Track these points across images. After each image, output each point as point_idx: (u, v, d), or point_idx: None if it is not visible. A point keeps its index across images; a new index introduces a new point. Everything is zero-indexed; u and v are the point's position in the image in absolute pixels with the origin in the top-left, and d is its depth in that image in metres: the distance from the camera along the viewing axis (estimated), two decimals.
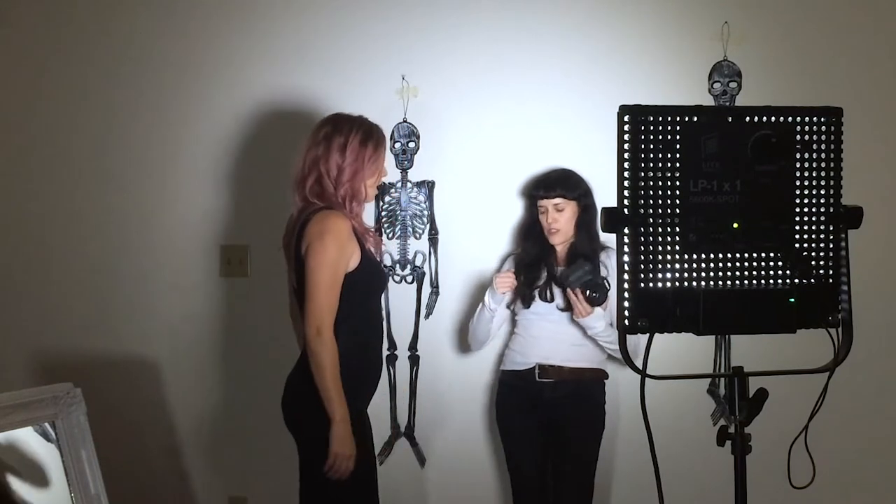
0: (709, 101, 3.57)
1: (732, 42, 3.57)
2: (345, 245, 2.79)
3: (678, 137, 1.96)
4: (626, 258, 1.96)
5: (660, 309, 1.96)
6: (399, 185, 3.71)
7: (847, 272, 2.03)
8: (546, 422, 3.36)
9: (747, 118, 2.00)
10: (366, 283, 2.87)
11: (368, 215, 3.62)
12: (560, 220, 3.39)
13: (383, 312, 3.69)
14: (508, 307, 3.49)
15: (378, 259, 2.98)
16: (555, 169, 3.48)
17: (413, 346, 3.73)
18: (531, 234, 3.49)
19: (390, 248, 3.72)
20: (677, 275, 1.96)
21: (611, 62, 3.63)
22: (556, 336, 3.36)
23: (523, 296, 3.41)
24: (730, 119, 2.01)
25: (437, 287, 3.72)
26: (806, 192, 2.01)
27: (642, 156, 1.95)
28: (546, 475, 3.40)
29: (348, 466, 2.77)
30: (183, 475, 3.84)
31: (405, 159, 3.70)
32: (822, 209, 2.01)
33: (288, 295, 3.05)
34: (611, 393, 3.47)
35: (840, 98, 2.29)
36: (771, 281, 1.99)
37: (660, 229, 1.96)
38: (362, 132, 2.91)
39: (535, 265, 3.44)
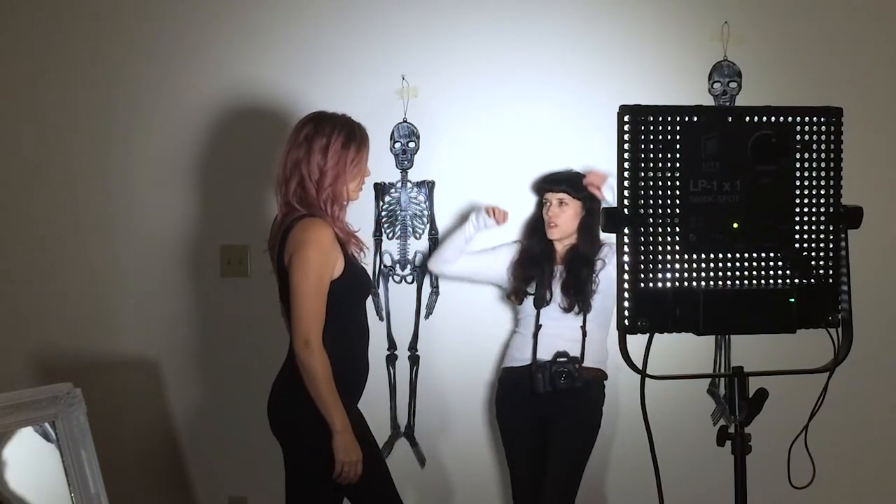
0: (709, 101, 3.57)
1: (732, 42, 3.57)
2: (328, 253, 2.74)
3: (678, 137, 1.96)
4: (626, 258, 1.96)
5: (660, 309, 1.96)
6: (399, 185, 3.71)
7: (847, 272, 2.03)
8: (543, 418, 3.37)
9: (747, 118, 1.99)
10: (350, 290, 2.83)
11: (368, 215, 3.64)
12: (561, 215, 3.41)
13: (383, 312, 3.71)
14: (509, 297, 3.53)
15: (362, 264, 2.95)
16: (569, 169, 3.51)
17: (413, 346, 3.73)
18: (536, 230, 3.51)
19: (390, 249, 3.72)
20: (677, 275, 1.96)
21: (611, 62, 3.63)
22: (556, 334, 3.37)
23: (520, 291, 3.44)
24: (730, 119, 2.00)
25: (437, 287, 3.72)
26: (806, 192, 2.01)
27: (642, 156, 1.95)
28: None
29: (357, 471, 2.75)
30: (183, 475, 3.84)
31: (405, 159, 3.70)
32: (822, 209, 2.01)
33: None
34: (610, 395, 3.47)
35: (840, 98, 2.29)
36: (771, 281, 1.99)
37: (660, 229, 1.96)
38: (344, 134, 2.83)
39: (536, 261, 3.45)
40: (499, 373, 3.56)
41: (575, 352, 3.34)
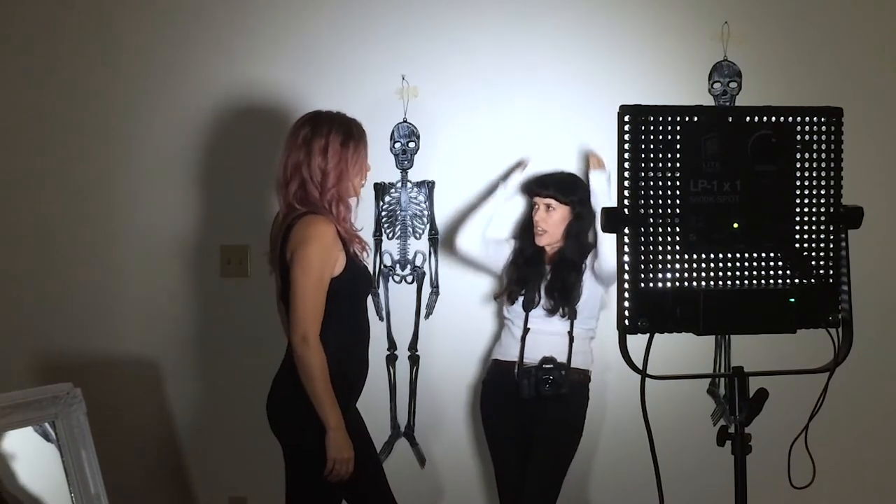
0: (709, 101, 3.57)
1: (732, 42, 3.57)
2: (329, 251, 2.76)
3: (678, 137, 1.96)
4: (626, 258, 1.96)
5: (660, 309, 1.96)
6: (399, 185, 3.71)
7: (847, 272, 2.03)
8: (527, 420, 3.36)
9: (747, 118, 1.99)
10: (351, 288, 2.84)
11: (369, 215, 3.63)
12: (548, 220, 3.40)
13: (383, 312, 3.71)
14: (495, 298, 3.54)
15: (364, 263, 2.95)
16: (560, 171, 3.49)
17: (413, 346, 3.73)
18: (527, 231, 3.50)
19: (390, 249, 3.72)
20: (677, 275, 1.96)
21: (611, 62, 3.63)
22: (544, 338, 3.36)
23: (514, 293, 3.43)
24: (730, 119, 2.00)
25: (437, 287, 3.72)
26: (806, 192, 2.01)
27: (642, 156, 1.95)
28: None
29: (348, 469, 2.76)
30: (183, 475, 3.84)
31: (405, 159, 3.70)
32: (822, 209, 2.01)
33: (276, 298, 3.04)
34: (597, 396, 3.46)
35: (840, 98, 2.29)
36: (771, 281, 1.99)
37: (660, 229, 1.96)
38: (342, 133, 2.86)
39: (530, 263, 3.44)
40: (488, 364, 3.55)
41: (561, 356, 3.33)
